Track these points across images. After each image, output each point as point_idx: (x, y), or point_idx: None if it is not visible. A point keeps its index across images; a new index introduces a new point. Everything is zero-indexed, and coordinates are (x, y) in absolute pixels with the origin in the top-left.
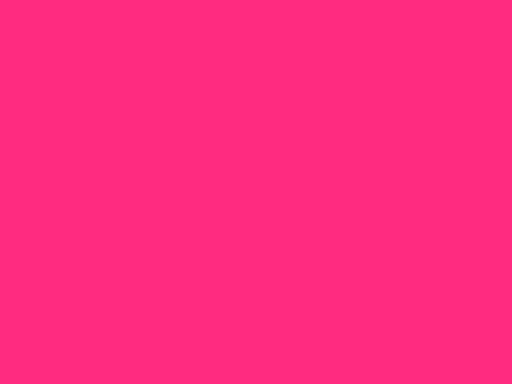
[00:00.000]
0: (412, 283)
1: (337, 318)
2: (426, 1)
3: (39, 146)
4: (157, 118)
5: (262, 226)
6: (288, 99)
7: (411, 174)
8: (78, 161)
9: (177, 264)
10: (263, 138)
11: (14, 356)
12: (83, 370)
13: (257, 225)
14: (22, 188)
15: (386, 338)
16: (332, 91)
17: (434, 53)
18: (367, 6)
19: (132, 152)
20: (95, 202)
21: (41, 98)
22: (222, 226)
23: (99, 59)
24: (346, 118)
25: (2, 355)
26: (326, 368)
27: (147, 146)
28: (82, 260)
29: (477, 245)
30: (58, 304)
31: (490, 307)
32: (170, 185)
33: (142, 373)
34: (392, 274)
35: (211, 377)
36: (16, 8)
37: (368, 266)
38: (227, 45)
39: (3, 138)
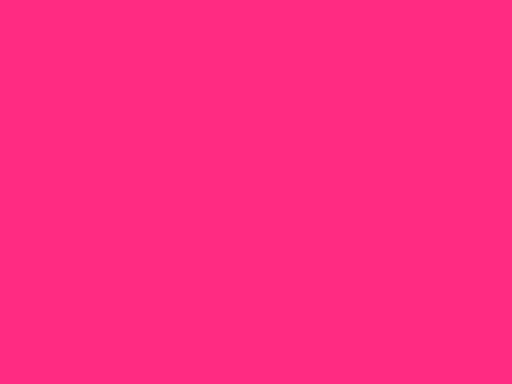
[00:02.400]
0: (412, 283)
1: (337, 318)
2: (426, 1)
3: (39, 146)
4: (157, 118)
5: (262, 226)
6: (288, 99)
7: (411, 174)
8: (78, 161)
9: (177, 264)
10: (263, 138)
11: (14, 356)
12: (83, 370)
13: (257, 225)
14: (22, 188)
15: (386, 338)
16: (332, 91)
17: (434, 53)
18: (367, 6)
19: (132, 152)
20: (95, 201)
21: (41, 98)
22: (222, 226)
23: (99, 59)
24: (346, 118)
25: (2, 355)
26: (326, 368)
27: (147, 146)
28: (82, 260)
29: (477, 245)
30: (58, 304)
31: (490, 307)
32: (170, 185)
33: (142, 373)
34: (392, 274)
35: (211, 377)
36: (16, 8)
37: (368, 266)
38: (227, 45)
39: (3, 138)
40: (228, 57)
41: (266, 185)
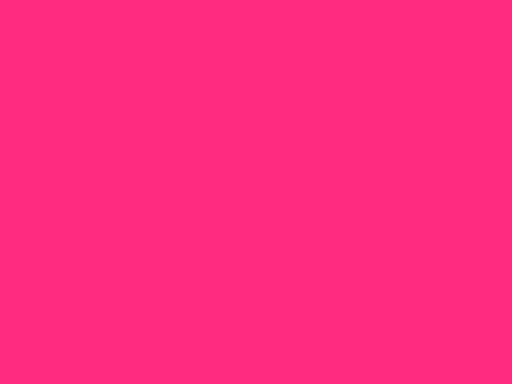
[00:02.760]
0: (412, 283)
1: (337, 318)
2: (426, 1)
3: (39, 146)
4: (157, 118)
5: (262, 226)
6: (288, 99)
7: (411, 174)
8: (78, 161)
9: (177, 264)
10: (263, 138)
11: (14, 356)
12: (83, 370)
13: (257, 225)
14: (22, 188)
15: (386, 338)
16: (332, 91)
17: (434, 53)
18: (367, 6)
19: (132, 152)
20: (95, 202)
21: (41, 98)
22: (222, 226)
23: (99, 59)
24: (346, 118)
25: (2, 355)
26: (326, 368)
27: (147, 146)
28: (82, 260)
29: (477, 245)
30: (58, 304)
31: (490, 307)
32: (170, 185)
33: (142, 373)
34: (392, 274)
35: (211, 377)
36: (16, 8)
37: (368, 266)
38: (227, 45)
39: (3, 138)
40: (228, 57)
41: (265, 185)
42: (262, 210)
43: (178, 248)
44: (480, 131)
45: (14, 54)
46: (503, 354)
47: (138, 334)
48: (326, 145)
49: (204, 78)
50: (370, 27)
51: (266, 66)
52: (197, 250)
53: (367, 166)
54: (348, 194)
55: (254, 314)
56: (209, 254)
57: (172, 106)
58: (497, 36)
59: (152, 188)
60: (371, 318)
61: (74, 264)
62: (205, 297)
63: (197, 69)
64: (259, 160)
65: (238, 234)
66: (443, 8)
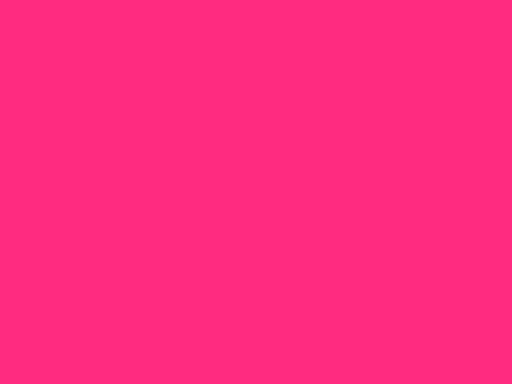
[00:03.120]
0: (412, 283)
1: (337, 318)
2: (426, 1)
3: (39, 146)
4: (157, 118)
5: (262, 226)
6: (288, 99)
7: (411, 174)
8: (78, 161)
9: (177, 264)
10: (263, 138)
11: (14, 356)
12: (83, 370)
13: (257, 225)
14: (22, 188)
15: (386, 338)
16: (332, 91)
17: (434, 53)
18: (367, 6)
19: (132, 152)
20: (95, 202)
21: (41, 98)
22: (222, 226)
23: (99, 59)
24: (346, 118)
25: (2, 355)
26: (326, 368)
27: (147, 146)
28: (82, 260)
29: (477, 245)
30: (58, 304)
31: (490, 307)
32: (170, 185)
33: (142, 373)
34: (392, 274)
35: (211, 377)
36: (16, 8)
37: (368, 266)
38: (227, 45)
39: (3, 138)
40: (228, 57)
41: (265, 185)
42: (261, 209)
43: (177, 247)
44: (480, 131)
45: (14, 54)
46: (503, 354)
47: (138, 334)
48: (326, 145)
49: (204, 78)
50: (370, 27)
51: (266, 66)
52: (197, 249)
53: (367, 166)
54: (348, 194)
55: (253, 313)
56: (208, 253)
57: (172, 106)
58: (497, 36)
59: (152, 188)
60: (371, 317)
61: (74, 264)
62: (205, 297)
63: (197, 69)
64: (259, 160)
65: (237, 233)
66: (443, 8)
